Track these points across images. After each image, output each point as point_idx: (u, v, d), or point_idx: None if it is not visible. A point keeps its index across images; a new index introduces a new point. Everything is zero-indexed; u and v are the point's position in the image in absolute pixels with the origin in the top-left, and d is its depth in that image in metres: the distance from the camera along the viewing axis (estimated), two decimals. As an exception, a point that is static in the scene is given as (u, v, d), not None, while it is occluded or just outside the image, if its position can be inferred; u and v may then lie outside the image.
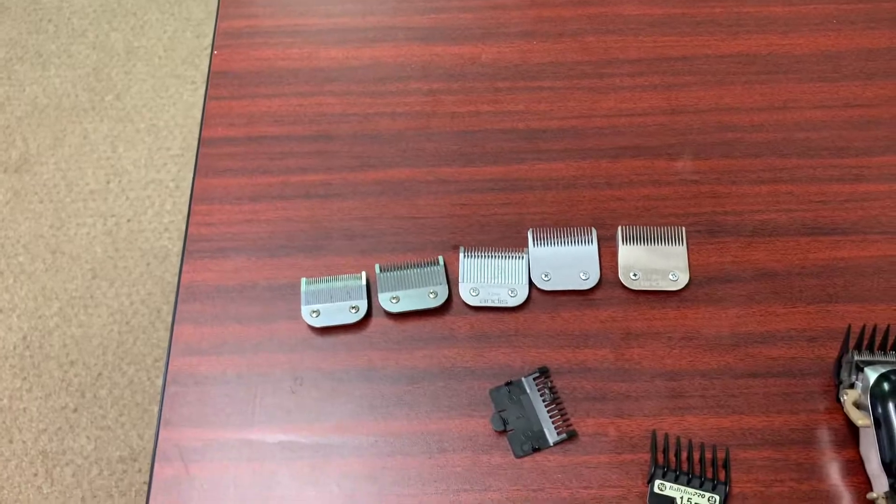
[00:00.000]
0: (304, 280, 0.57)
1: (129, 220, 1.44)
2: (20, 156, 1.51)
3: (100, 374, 1.31)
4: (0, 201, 1.46)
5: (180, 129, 1.54)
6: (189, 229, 0.60)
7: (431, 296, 0.56)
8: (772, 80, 0.66)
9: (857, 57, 0.67)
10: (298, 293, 0.57)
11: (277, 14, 0.70)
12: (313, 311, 0.56)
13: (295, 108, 0.65)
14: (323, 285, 0.57)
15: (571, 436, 0.52)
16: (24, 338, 1.34)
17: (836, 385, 0.52)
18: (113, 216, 1.45)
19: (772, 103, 0.65)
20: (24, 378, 1.31)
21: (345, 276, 0.57)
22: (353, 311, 0.56)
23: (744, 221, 0.60)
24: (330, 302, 0.56)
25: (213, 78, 0.67)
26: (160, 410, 0.53)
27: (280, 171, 0.62)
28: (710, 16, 0.70)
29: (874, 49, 0.68)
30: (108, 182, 1.48)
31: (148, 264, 1.40)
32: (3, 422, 1.28)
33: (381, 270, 0.57)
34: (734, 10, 0.70)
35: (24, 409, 1.29)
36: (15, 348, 1.33)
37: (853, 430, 0.51)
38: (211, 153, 0.63)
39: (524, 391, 0.53)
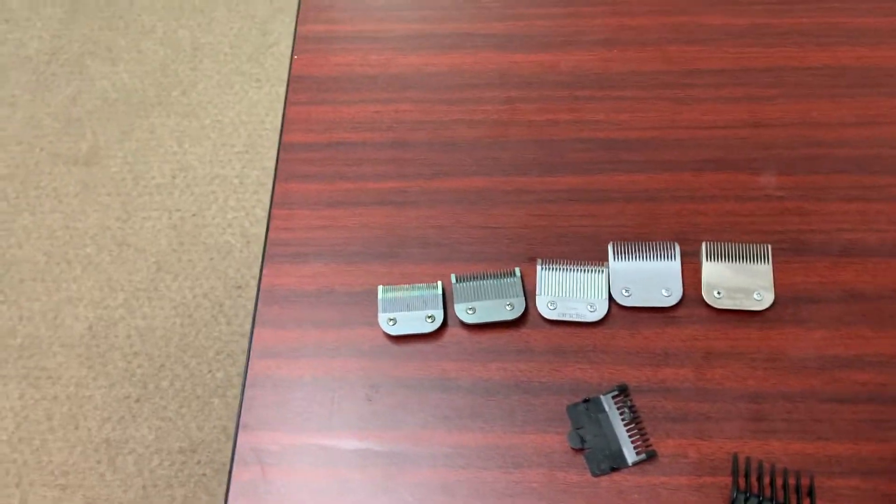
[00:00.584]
0: (380, 288, 0.57)
1: (193, 215, 1.47)
2: (89, 149, 1.55)
3: (162, 365, 1.34)
4: (70, 193, 1.50)
5: (245, 125, 1.56)
6: (269, 233, 0.60)
7: (508, 308, 0.56)
8: (861, 94, 0.64)
9: (953, 71, 0.65)
10: (375, 300, 0.57)
11: (356, 19, 0.70)
12: (390, 319, 0.56)
13: (372, 114, 0.65)
14: (399, 293, 0.57)
15: (651, 456, 0.51)
16: (90, 328, 1.38)
17: (929, 414, 0.51)
18: (178, 210, 1.48)
19: (861, 118, 0.63)
20: (90, 367, 1.34)
21: (421, 284, 0.57)
22: (430, 320, 0.56)
23: (831, 240, 0.58)
24: (406, 310, 0.56)
25: (293, 82, 0.67)
26: (238, 413, 0.54)
27: (357, 178, 0.63)
28: (797, 26, 0.68)
29: (972, 63, 0.65)
30: (174, 177, 1.51)
31: (211, 259, 1.43)
32: (70, 409, 1.31)
33: (457, 280, 0.57)
34: (822, 21, 0.68)
35: (90, 398, 1.32)
36: (81, 338, 1.37)
37: (947, 463, 0.49)
38: (291, 158, 0.64)
39: (602, 409, 0.52)
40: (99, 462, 1.27)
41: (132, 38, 1.69)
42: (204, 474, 1.26)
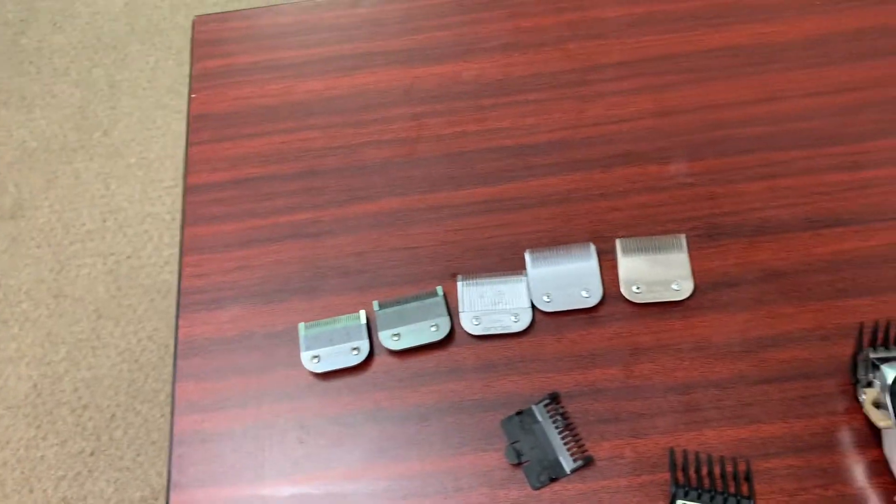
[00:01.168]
0: (301, 325, 0.56)
1: (128, 257, 1.44)
2: (14, 202, 1.50)
3: (113, 415, 1.31)
4: (-2, 250, 1.46)
5: (171, 159, 1.53)
6: (182, 282, 0.59)
7: (433, 329, 0.55)
8: (759, 72, 0.65)
9: (844, 39, 0.66)
10: (297, 338, 0.56)
11: (251, 50, 0.69)
12: (314, 357, 0.55)
13: (278, 145, 0.64)
14: (322, 328, 0.56)
15: (588, 462, 0.50)
16: (35, 386, 1.34)
17: (854, 384, 0.51)
18: (112, 254, 1.44)
19: (761, 95, 0.64)
20: (38, 426, 1.30)
21: (343, 316, 0.56)
22: (355, 352, 0.55)
23: (744, 221, 0.58)
24: (330, 345, 0.55)
25: (193, 122, 0.66)
26: (168, 472, 0.52)
27: (268, 213, 0.61)
28: (691, 10, 0.68)
29: (862, 29, 0.66)
30: (105, 220, 1.47)
31: (152, 300, 1.40)
32: (22, 472, 1.27)
33: (379, 307, 0.56)
34: (715, 2, 0.69)
35: (42, 458, 1.28)
36: (26, 397, 1.33)
37: (876, 430, 0.50)
38: (197, 200, 0.62)
39: (536, 419, 0.52)
40: (59, 523, 1.23)
41: (45, 83, 1.64)
42: (169, 521, 1.23)
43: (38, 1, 1.76)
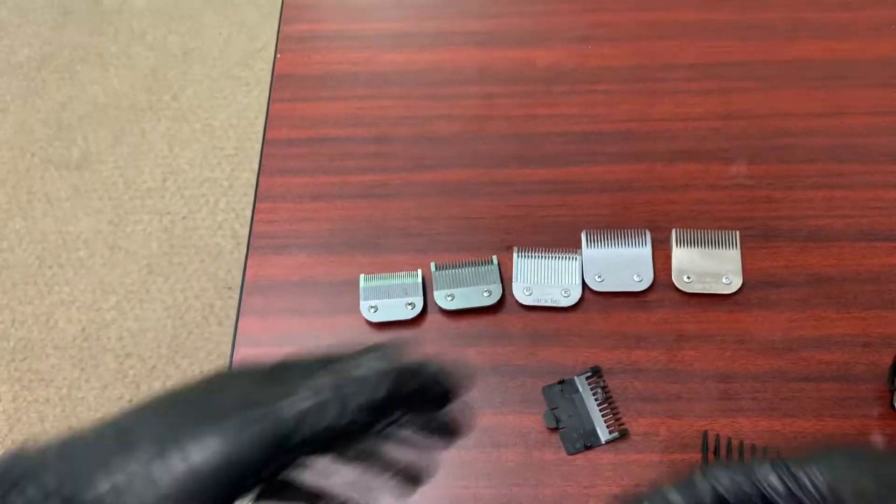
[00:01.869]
0: (362, 276, 0.59)
1: (184, 218, 1.49)
2: (81, 154, 1.56)
3: (154, 366, 1.35)
4: (62, 198, 1.52)
5: (234, 129, 1.58)
6: (253, 226, 0.62)
7: (486, 294, 0.57)
8: (828, 86, 0.66)
9: (916, 63, 0.67)
10: (357, 289, 0.59)
11: (338, 19, 0.72)
12: (371, 307, 0.57)
13: (355, 111, 0.67)
14: (380, 282, 0.58)
15: (623, 434, 0.52)
16: (83, 329, 1.39)
17: (891, 391, 0.52)
18: (168, 213, 1.49)
19: (828, 109, 0.65)
20: (83, 369, 1.35)
21: (401, 273, 0.59)
22: (410, 307, 0.57)
23: (798, 226, 0.60)
24: (387, 298, 0.58)
25: (276, 81, 0.69)
26: (225, 399, 0.55)
27: (340, 172, 0.64)
28: (767, 21, 0.70)
29: (934, 55, 0.67)
30: (165, 180, 1.52)
31: (202, 261, 1.44)
32: (63, 411, 1.32)
33: (436, 268, 0.59)
34: (791, 16, 0.70)
35: (83, 399, 1.33)
36: (74, 339, 1.38)
37: (908, 437, 0.51)
38: (274, 153, 0.65)
39: (576, 390, 0.54)
40: (92, 462, 1.28)
41: (122, 44, 1.70)
42: (196, 473, 1.27)
43: (124, -35, 1.82)
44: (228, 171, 1.53)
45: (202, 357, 1.36)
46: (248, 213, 1.50)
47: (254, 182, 1.48)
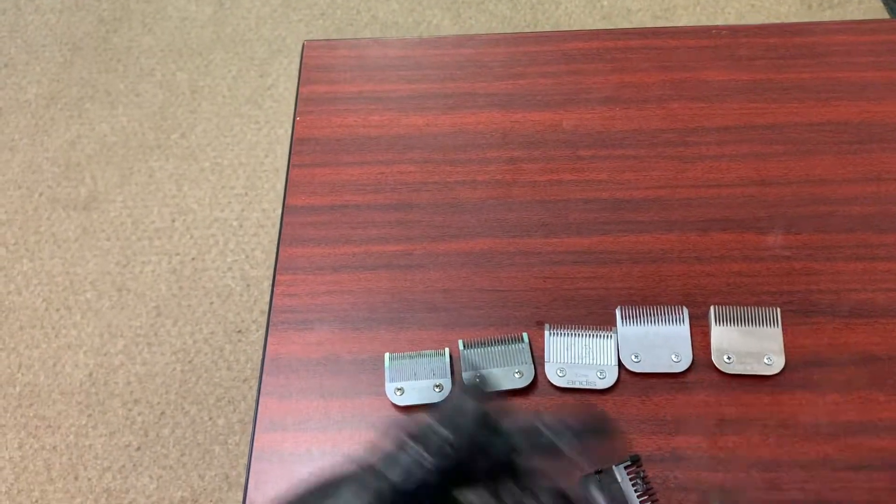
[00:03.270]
0: (387, 355, 0.57)
1: (193, 259, 1.47)
2: (89, 193, 1.55)
3: (163, 412, 1.33)
4: (69, 238, 1.50)
5: (244, 167, 1.56)
6: (274, 300, 0.60)
7: (517, 375, 0.55)
8: (865, 150, 0.64)
9: (955, 125, 0.65)
10: (382, 367, 0.57)
11: (358, 80, 0.71)
12: (397, 389, 0.55)
13: (376, 175, 0.65)
14: (406, 361, 0.56)
15: (665, 529, 0.50)
16: (91, 374, 1.36)
17: (946, 482, 0.50)
18: (178, 254, 1.47)
19: (866, 174, 0.63)
20: (90, 415, 1.33)
21: (428, 351, 0.57)
22: (437, 389, 0.55)
23: (840, 300, 0.58)
24: (414, 379, 0.55)
25: (295, 144, 0.67)
26: (245, 488, 0.53)
27: (362, 241, 0.62)
28: (799, 81, 0.68)
29: (974, 117, 0.65)
30: (174, 220, 1.51)
31: (211, 303, 1.42)
32: (70, 458, 1.30)
33: (464, 347, 0.56)
34: (824, 76, 0.68)
35: (90, 446, 1.31)
36: (81, 385, 1.35)
37: (966, 533, 0.49)
38: (294, 221, 0.63)
39: (615, 480, 0.51)
40: (99, 513, 1.25)
41: (131, 82, 1.69)
42: (205, 525, 1.24)
43: (132, 2, 1.82)
44: (238, 211, 1.51)
45: (211, 403, 1.33)
46: (258, 253, 1.49)
47: (263, 222, 1.47)
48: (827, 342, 0.56)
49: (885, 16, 1.66)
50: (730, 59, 0.70)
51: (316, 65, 0.71)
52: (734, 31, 0.71)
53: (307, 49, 0.73)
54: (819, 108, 0.66)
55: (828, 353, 0.56)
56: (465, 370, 0.56)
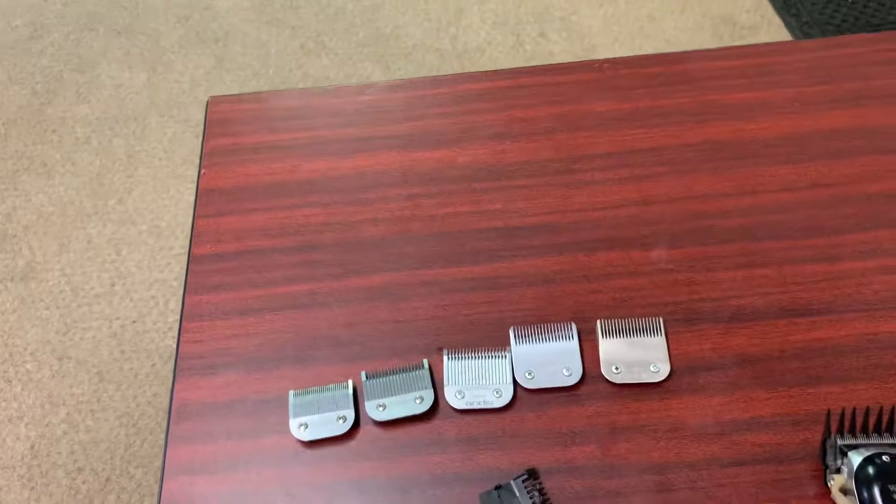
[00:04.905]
0: (291, 392, 0.58)
1: (133, 322, 1.46)
2: (26, 264, 1.54)
3: (108, 478, 1.31)
4: (7, 310, 1.49)
5: (182, 227, 1.57)
6: (180, 347, 0.61)
7: (418, 401, 0.57)
8: (740, 166, 0.68)
9: (820, 137, 0.69)
10: (286, 405, 0.58)
11: (261, 130, 0.73)
12: (301, 424, 0.57)
13: (281, 220, 0.68)
14: (311, 396, 0.58)
15: (562, 538, 0.52)
16: (32, 447, 1.34)
17: (824, 469, 0.53)
18: (118, 318, 1.47)
19: (741, 188, 0.67)
20: (32, 488, 1.31)
21: (332, 385, 0.58)
22: (341, 421, 0.57)
23: (721, 307, 0.61)
24: (318, 413, 0.57)
25: (200, 196, 0.69)
26: (154, 533, 0.54)
27: (267, 284, 0.64)
28: (677, 106, 0.72)
29: (837, 129, 0.70)
30: (113, 284, 1.51)
31: (153, 364, 1.42)
32: (12, 534, 1.27)
33: (367, 378, 0.58)
34: (699, 99, 0.73)
35: (33, 520, 1.28)
36: (23, 458, 1.33)
37: (844, 516, 0.51)
38: (200, 270, 0.65)
39: (514, 494, 0.53)
40: (44, 588, 1.22)
41: (67, 151, 1.71)
42: (155, 590, 1.22)
43: (66, 73, 1.84)
44: (177, 271, 1.52)
45: (157, 465, 1.32)
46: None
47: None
48: (710, 347, 0.59)
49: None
50: (612, 90, 0.74)
51: (219, 119, 0.74)
52: (615, 63, 0.76)
53: (211, 104, 0.75)
54: (696, 129, 0.71)
55: (711, 358, 0.59)
56: (368, 399, 0.57)
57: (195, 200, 0.69)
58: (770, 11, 1.78)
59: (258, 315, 0.63)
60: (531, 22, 1.82)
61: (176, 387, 0.59)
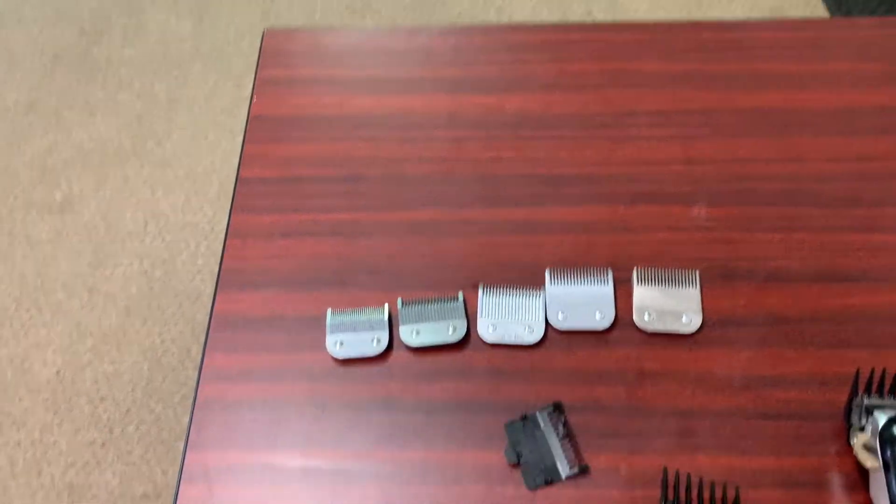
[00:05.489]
0: (329, 311, 0.60)
1: (164, 262, 1.49)
2: (64, 197, 1.57)
3: (128, 410, 1.34)
4: (43, 240, 1.52)
5: (217, 174, 1.59)
6: (223, 262, 0.63)
7: (451, 330, 0.58)
8: (786, 134, 0.69)
9: (870, 113, 0.69)
10: (324, 326, 0.59)
11: (314, 64, 0.74)
12: (337, 342, 0.58)
13: (327, 151, 0.69)
14: (348, 317, 0.59)
15: (584, 470, 0.53)
16: (58, 372, 1.38)
17: (847, 428, 0.53)
18: (149, 257, 1.49)
19: (786, 155, 0.67)
20: (56, 412, 1.34)
21: (368, 308, 0.60)
22: (375, 342, 0.58)
23: (757, 267, 0.61)
24: (353, 333, 0.58)
25: (251, 122, 0.71)
26: (188, 433, 0.56)
27: (310, 210, 0.66)
28: (727, 72, 0.72)
29: (888, 106, 0.70)
30: (146, 224, 1.53)
31: (180, 304, 1.44)
32: (34, 455, 1.30)
33: (402, 304, 0.60)
34: (750, 66, 0.73)
35: (54, 443, 1.31)
36: (48, 382, 1.37)
37: (863, 474, 0.52)
38: (247, 192, 0.67)
39: (538, 426, 0.54)
40: (61, 508, 1.26)
41: (109, 92, 1.73)
42: (167, 520, 1.25)
43: (114, 15, 1.86)
44: (210, 215, 1.54)
45: (177, 402, 1.35)
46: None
47: (235, 227, 1.50)
48: (743, 304, 0.60)
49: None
50: (663, 52, 0.74)
51: (274, 50, 0.75)
52: (670, 27, 0.76)
53: (267, 36, 0.77)
54: (745, 95, 0.71)
55: (743, 314, 0.59)
56: (403, 325, 0.59)
57: (245, 126, 0.71)
58: (820, 7, 1.76)
59: (300, 239, 0.64)
60: (578, 0, 1.82)
61: (217, 298, 0.61)
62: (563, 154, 0.68)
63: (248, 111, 0.72)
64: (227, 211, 0.66)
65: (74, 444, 1.31)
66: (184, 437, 1.32)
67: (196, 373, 1.36)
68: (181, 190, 1.57)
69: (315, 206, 0.66)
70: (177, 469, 1.28)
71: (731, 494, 0.51)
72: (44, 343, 1.41)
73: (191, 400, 1.34)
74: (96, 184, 1.59)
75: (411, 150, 0.69)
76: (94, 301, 1.45)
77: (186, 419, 1.32)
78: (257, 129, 0.70)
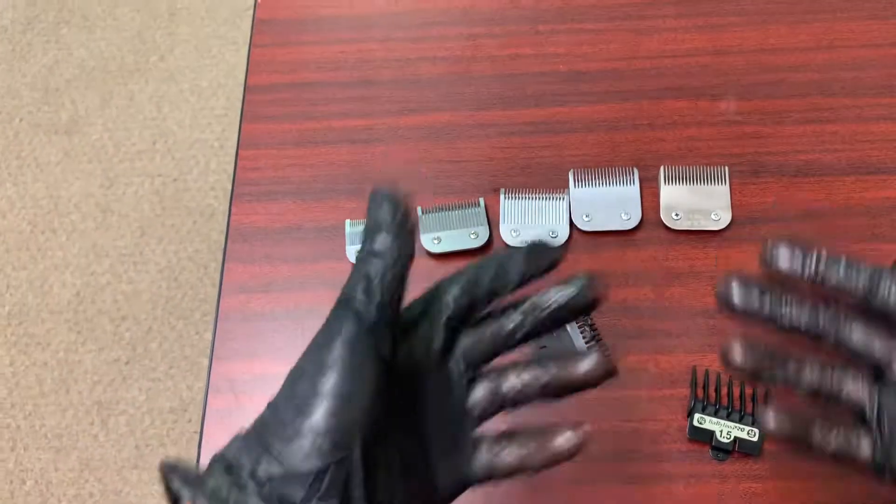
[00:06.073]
0: (348, 222, 0.58)
1: (175, 180, 1.48)
2: (69, 118, 1.55)
3: (150, 328, 1.36)
4: (52, 162, 1.51)
5: (223, 88, 1.56)
6: (237, 174, 0.61)
7: (473, 236, 0.57)
8: (818, 20, 0.65)
9: (909, -6, 0.65)
10: (342, 234, 0.58)
11: (319, -38, 0.71)
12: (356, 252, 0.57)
13: (337, 54, 0.66)
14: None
15: (610, 374, 0.52)
16: (78, 293, 1.39)
17: (881, 323, 0.52)
18: (160, 175, 1.48)
19: (818, 43, 0.64)
20: (79, 332, 1.36)
21: (388, 217, 0.58)
22: (396, 250, 0.57)
23: (788, 161, 0.59)
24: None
25: (257, 26, 0.68)
26: (212, 345, 0.55)
27: (323, 117, 0.63)
28: (756, -45, 0.68)
29: (927, -14, 0.66)
30: (155, 142, 1.51)
31: (195, 222, 1.43)
32: (60, 374, 1.33)
33: (422, 212, 0.58)
34: (781, -51, 0.68)
35: (79, 362, 1.33)
36: (69, 303, 1.38)
37: None
38: (256, 100, 0.64)
39: (564, 328, 0.54)
40: (91, 424, 1.29)
41: (108, 6, 1.68)
42: (195, 432, 1.28)
43: (106, -76, 1.79)
44: (219, 132, 1.51)
45: (197, 318, 1.36)
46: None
47: (244, 142, 1.47)
48: (774, 200, 0.58)
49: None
50: (689, -64, 0.70)
51: (276, -52, 0.71)
52: None
53: (268, -66, 0.72)
54: (775, -20, 0.67)
55: (774, 210, 0.57)
56: (424, 233, 0.57)
57: (251, 30, 0.68)
58: None
59: (314, 147, 0.62)
60: None
61: (233, 210, 0.60)
62: (584, 49, 0.65)
63: (252, 15, 0.69)
64: (237, 127, 0.63)
65: (99, 363, 1.33)
66: (207, 353, 1.33)
67: (215, 290, 1.37)
68: (187, 105, 1.54)
69: (327, 113, 0.63)
70: (202, 384, 1.31)
71: (761, 391, 0.51)
72: (61, 265, 1.41)
73: (212, 317, 1.35)
74: (101, 102, 1.56)
75: (425, 50, 0.66)
76: (109, 221, 1.44)
77: (208, 335, 1.34)
78: (264, 32, 0.67)
